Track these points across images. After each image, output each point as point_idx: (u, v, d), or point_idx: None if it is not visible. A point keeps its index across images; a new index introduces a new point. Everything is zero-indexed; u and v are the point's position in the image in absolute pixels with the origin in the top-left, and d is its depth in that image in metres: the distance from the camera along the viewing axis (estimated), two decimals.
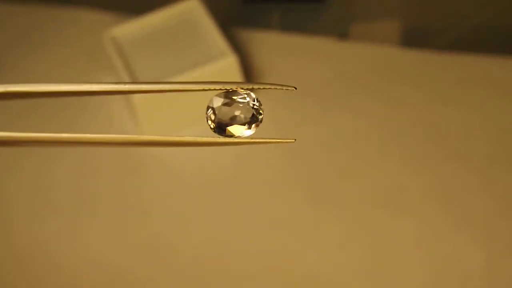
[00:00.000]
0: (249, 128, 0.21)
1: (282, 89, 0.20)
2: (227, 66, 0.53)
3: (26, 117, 0.55)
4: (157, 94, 0.54)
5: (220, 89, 0.21)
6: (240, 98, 0.21)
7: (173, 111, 0.54)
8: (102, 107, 0.57)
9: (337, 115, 0.55)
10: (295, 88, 0.20)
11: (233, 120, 0.21)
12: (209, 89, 0.21)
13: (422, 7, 0.63)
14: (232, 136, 0.21)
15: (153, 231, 0.50)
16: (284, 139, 0.21)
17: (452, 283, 0.46)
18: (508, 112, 0.54)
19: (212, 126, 0.21)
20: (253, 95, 0.21)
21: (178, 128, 0.54)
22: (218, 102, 0.21)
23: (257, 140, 0.21)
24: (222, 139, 0.21)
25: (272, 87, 0.21)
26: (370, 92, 0.56)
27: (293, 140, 0.20)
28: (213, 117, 0.21)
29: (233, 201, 0.51)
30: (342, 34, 0.60)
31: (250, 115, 0.21)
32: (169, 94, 0.57)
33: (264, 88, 0.21)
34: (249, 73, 0.58)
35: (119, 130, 0.55)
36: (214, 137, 0.21)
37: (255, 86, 0.21)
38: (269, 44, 0.60)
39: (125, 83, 0.20)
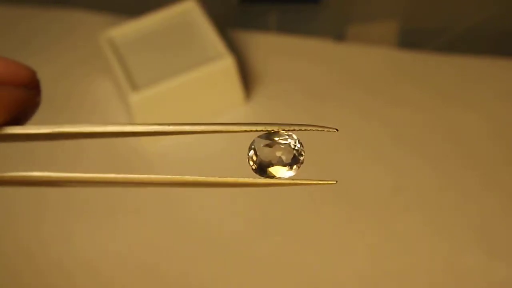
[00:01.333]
0: (290, 169, 0.21)
1: (324, 131, 0.21)
2: (224, 67, 0.53)
3: None
4: (154, 95, 0.54)
5: (262, 130, 0.21)
6: (282, 139, 0.21)
7: (170, 114, 0.54)
8: (98, 108, 0.57)
9: (335, 115, 0.55)
10: (337, 130, 0.21)
11: (274, 161, 0.21)
12: (251, 130, 0.21)
13: (419, 9, 0.64)
14: (273, 177, 0.21)
15: (147, 234, 0.51)
16: (325, 180, 0.21)
17: (454, 283, 0.47)
18: (508, 111, 0.55)
19: (253, 167, 0.22)
20: (294, 136, 0.21)
21: None
22: (260, 143, 0.21)
23: (298, 182, 0.21)
24: (263, 180, 0.21)
25: (314, 129, 0.21)
26: (368, 92, 0.56)
27: (335, 182, 0.21)
28: (254, 158, 0.21)
29: (229, 204, 0.52)
30: (338, 35, 0.61)
31: (292, 156, 0.21)
32: (166, 95, 0.56)
33: (305, 130, 0.21)
34: (246, 75, 0.58)
35: None
36: (255, 177, 0.21)
37: (297, 128, 0.21)
38: (266, 45, 0.60)
39: (169, 124, 0.21)
